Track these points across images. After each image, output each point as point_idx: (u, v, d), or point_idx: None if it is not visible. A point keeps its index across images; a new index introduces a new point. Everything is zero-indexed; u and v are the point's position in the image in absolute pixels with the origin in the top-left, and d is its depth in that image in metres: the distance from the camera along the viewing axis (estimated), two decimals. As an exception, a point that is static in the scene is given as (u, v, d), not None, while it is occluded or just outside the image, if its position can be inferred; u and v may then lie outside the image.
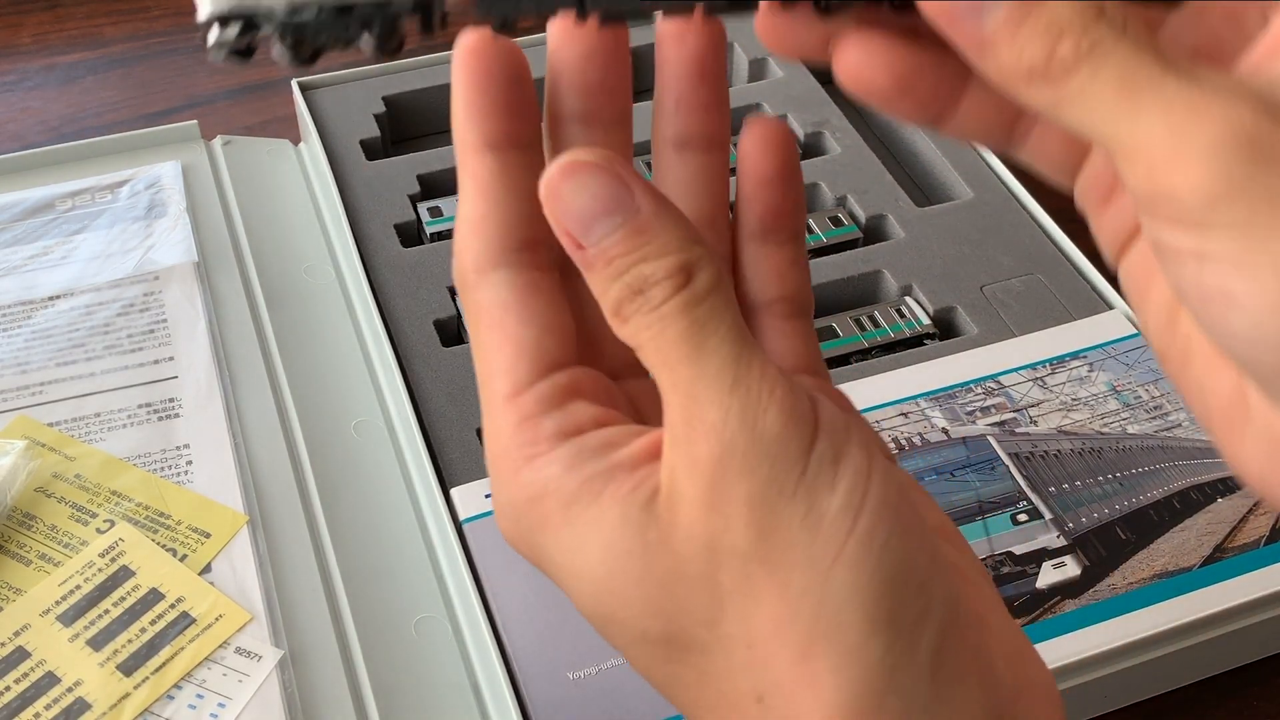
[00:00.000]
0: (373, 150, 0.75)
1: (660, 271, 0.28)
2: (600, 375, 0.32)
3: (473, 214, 0.31)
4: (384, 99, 0.78)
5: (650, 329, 0.29)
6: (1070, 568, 0.55)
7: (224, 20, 0.29)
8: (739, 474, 0.27)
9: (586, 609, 0.30)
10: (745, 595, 0.28)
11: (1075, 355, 0.65)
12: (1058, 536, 0.56)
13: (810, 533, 0.27)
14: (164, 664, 0.53)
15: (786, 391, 0.28)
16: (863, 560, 0.27)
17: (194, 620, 0.54)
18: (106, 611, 0.54)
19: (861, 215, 0.72)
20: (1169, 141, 0.23)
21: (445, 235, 0.71)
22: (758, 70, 0.81)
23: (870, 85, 0.28)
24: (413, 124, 0.79)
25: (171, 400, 0.63)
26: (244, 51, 0.29)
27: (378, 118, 0.77)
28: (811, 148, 0.77)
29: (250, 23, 0.29)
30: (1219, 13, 0.28)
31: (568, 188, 0.29)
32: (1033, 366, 0.64)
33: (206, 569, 0.56)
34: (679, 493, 0.28)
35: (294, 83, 0.77)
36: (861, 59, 0.28)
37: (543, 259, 0.31)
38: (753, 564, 0.27)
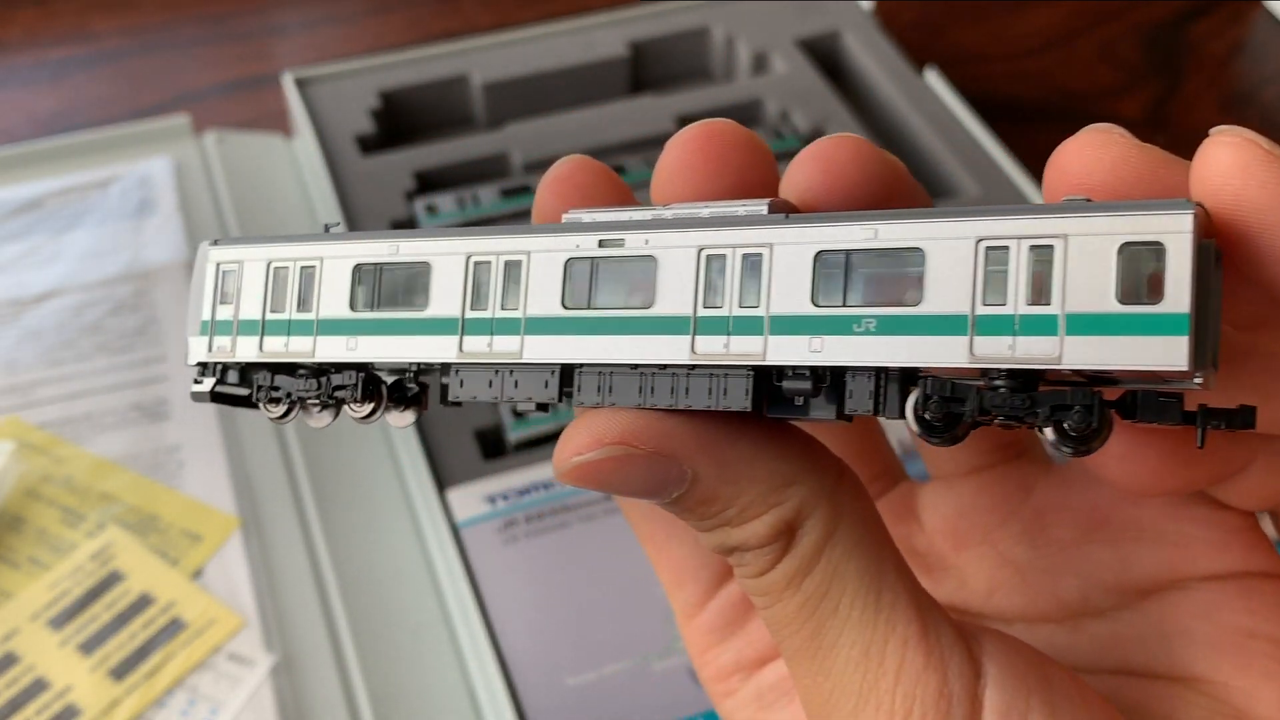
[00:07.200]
0: (368, 145, 0.74)
1: (751, 539, 0.23)
2: None
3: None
4: (380, 93, 0.76)
5: (757, 598, 0.24)
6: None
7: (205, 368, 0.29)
8: None
9: None
10: None
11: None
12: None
13: None
14: (155, 669, 0.52)
15: (930, 705, 0.22)
16: None
17: (186, 625, 0.53)
18: (97, 616, 0.53)
19: (864, 211, 0.71)
20: None
21: (441, 232, 0.69)
22: (760, 65, 0.80)
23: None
24: (411, 118, 0.78)
25: (162, 401, 0.62)
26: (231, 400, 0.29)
27: (374, 113, 0.75)
28: (813, 143, 0.76)
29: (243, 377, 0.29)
30: None
31: (613, 482, 0.23)
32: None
33: (198, 573, 0.55)
34: None
35: (287, 76, 0.76)
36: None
37: None
38: None
